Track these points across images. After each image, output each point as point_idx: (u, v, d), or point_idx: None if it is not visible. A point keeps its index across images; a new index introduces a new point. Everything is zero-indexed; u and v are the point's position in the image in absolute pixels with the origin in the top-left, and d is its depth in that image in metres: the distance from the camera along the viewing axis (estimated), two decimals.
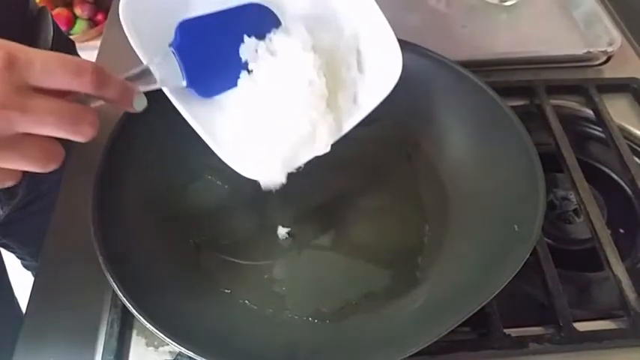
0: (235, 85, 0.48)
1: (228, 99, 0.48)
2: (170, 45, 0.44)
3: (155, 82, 0.42)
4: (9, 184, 0.37)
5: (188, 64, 0.44)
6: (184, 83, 0.45)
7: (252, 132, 0.47)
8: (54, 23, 0.73)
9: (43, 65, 0.34)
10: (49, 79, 0.35)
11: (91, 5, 1.95)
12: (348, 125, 0.50)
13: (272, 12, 0.49)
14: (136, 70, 0.42)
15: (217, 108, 0.48)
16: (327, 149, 0.48)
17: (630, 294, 0.51)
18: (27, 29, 0.67)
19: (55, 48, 0.71)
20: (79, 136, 0.36)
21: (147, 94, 0.42)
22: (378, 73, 0.51)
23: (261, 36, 0.48)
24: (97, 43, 0.80)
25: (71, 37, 1.86)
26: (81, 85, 0.36)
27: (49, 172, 0.76)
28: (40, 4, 0.73)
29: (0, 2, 0.61)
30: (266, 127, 0.47)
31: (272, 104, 0.47)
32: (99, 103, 0.38)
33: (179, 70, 0.44)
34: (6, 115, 0.34)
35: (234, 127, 0.48)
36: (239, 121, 0.48)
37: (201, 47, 0.45)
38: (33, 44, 0.66)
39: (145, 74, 0.42)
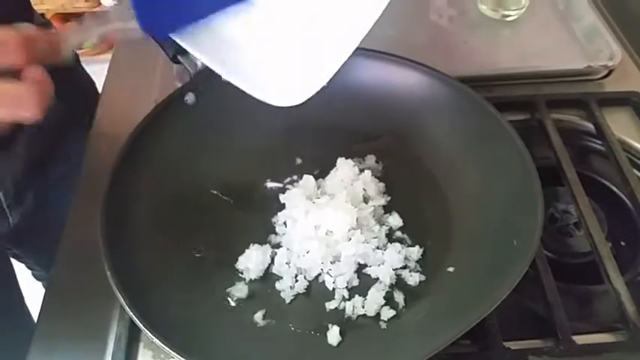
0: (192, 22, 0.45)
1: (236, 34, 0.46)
2: None
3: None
4: None
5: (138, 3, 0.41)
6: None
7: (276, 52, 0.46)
8: None
9: None
10: None
11: None
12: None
13: None
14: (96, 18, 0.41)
15: (230, 46, 0.46)
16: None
17: (629, 307, 0.52)
18: None
19: None
20: (19, 115, 0.36)
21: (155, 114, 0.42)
22: None
23: None
24: (108, 56, 0.82)
25: (82, 50, 1.89)
26: (10, 60, 0.35)
27: (58, 181, 0.77)
28: (47, 20, 0.75)
29: (3, 12, 0.63)
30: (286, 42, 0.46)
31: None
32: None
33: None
34: None
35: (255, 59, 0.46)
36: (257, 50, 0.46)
37: None
38: None
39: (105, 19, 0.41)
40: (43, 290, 0.58)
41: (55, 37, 0.39)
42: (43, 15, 0.76)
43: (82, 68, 0.85)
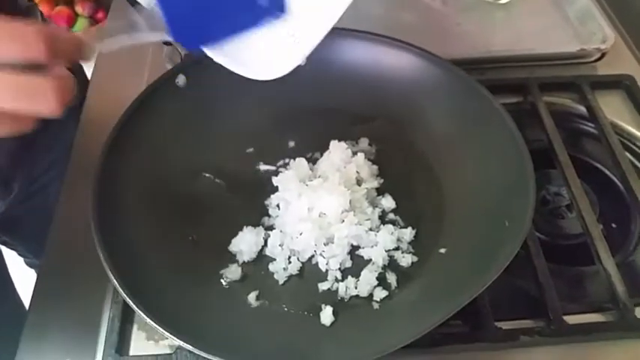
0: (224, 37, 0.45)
1: None
2: None
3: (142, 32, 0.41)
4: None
5: (171, 16, 0.41)
6: (169, 36, 0.42)
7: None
8: (42, 18, 0.75)
9: None
10: None
11: (91, 3, 1.96)
12: None
13: None
14: (123, 21, 0.40)
15: None
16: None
17: (620, 287, 0.52)
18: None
19: None
20: (38, 110, 0.35)
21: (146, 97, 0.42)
22: None
23: None
24: None
25: None
26: (31, 54, 0.34)
27: (47, 169, 0.77)
28: (34, 2, 0.75)
29: None
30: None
31: None
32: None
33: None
34: None
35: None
36: None
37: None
38: None
39: (132, 25, 0.41)
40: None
41: (79, 39, 0.38)
42: None
43: None
